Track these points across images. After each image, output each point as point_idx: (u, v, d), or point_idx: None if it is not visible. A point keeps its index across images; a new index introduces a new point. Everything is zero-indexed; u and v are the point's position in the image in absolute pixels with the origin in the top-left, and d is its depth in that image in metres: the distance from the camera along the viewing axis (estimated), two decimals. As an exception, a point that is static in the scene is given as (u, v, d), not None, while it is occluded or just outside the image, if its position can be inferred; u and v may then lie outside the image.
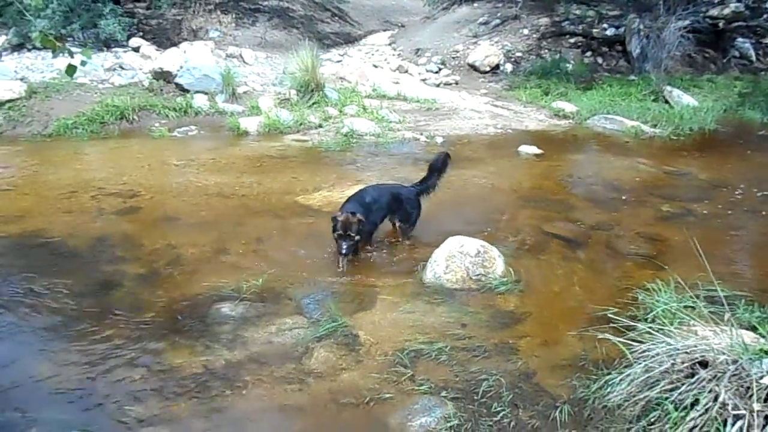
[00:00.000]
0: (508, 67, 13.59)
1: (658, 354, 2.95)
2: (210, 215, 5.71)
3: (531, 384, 3.35)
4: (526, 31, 14.60)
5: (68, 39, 11.48)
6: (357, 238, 4.54)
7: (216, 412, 3.04)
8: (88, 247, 4.98)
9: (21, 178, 6.70)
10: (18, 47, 11.30)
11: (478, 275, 4.39)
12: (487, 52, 13.60)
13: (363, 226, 4.59)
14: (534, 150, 8.23)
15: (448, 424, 2.96)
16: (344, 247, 4.49)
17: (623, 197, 6.60)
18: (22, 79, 9.81)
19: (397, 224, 5.25)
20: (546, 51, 14.01)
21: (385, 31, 17.63)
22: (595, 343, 3.51)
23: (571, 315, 4.15)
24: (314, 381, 3.30)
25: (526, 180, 7.21)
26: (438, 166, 5.39)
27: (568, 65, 13.31)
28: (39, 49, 11.28)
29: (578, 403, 3.17)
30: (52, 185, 6.42)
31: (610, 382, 3.11)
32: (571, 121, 10.48)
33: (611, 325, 3.48)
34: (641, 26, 12.83)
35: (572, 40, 14.30)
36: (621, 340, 3.19)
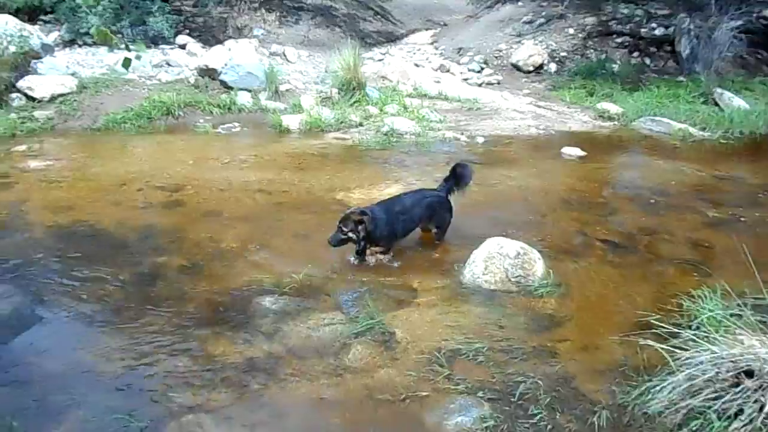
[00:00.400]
0: (552, 67, 13.38)
1: (702, 362, 2.88)
2: (251, 210, 5.81)
3: (569, 388, 3.30)
4: (571, 31, 14.35)
5: (118, 35, 11.85)
6: (350, 236, 4.52)
7: (256, 403, 3.10)
8: (134, 238, 5.13)
9: (71, 170, 6.94)
10: (70, 43, 11.70)
11: (517, 277, 4.34)
12: (530, 51, 13.42)
13: (363, 228, 4.51)
14: (577, 152, 8.09)
15: (485, 425, 2.94)
16: (331, 236, 4.54)
17: (669, 201, 6.43)
18: (73, 75, 10.16)
19: (433, 230, 5.20)
20: (591, 51, 13.74)
21: (427, 30, 17.57)
22: (636, 349, 3.44)
23: (612, 320, 4.08)
24: (351, 376, 3.33)
25: (569, 182, 7.09)
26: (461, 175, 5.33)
27: (614, 65, 13.03)
28: (89, 45, 11.68)
29: (617, 409, 3.11)
30: (101, 177, 6.63)
31: (651, 389, 3.05)
32: (616, 122, 10.25)
33: (653, 331, 3.42)
34: (691, 26, 12.44)
35: (619, 40, 13.97)
36: (664, 347, 3.12)
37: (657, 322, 3.42)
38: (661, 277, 4.73)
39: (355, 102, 10.18)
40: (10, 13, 11.36)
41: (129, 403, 3.07)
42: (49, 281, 4.29)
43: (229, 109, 9.69)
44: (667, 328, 3.26)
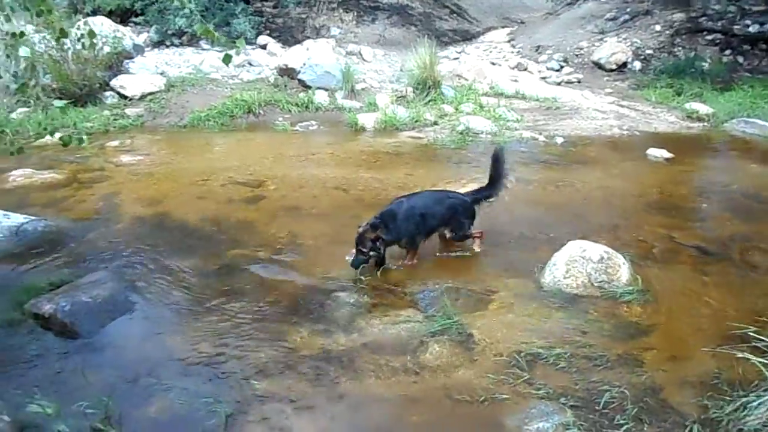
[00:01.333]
0: (637, 65, 12.83)
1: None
2: (328, 207, 5.89)
3: (657, 399, 3.15)
4: (657, 28, 13.70)
5: (203, 36, 12.34)
6: (371, 254, 4.42)
7: (334, 395, 3.14)
8: (217, 231, 5.31)
9: (159, 165, 7.28)
10: (158, 44, 12.29)
11: (600, 282, 4.19)
12: (613, 49, 12.93)
13: (382, 242, 4.40)
14: (664, 153, 7.71)
15: (567, 432, 2.85)
16: (353, 260, 4.42)
17: (764, 208, 6.02)
18: (161, 74, 10.68)
19: (447, 235, 4.87)
20: (679, 48, 13.07)
21: (503, 27, 17.29)
22: (730, 361, 3.24)
23: (702, 330, 3.86)
24: (428, 375, 3.31)
25: (655, 185, 6.77)
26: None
27: (703, 64, 12.33)
28: (176, 46, 12.24)
29: (710, 424, 2.95)
30: (187, 173, 6.92)
31: (747, 405, 2.88)
32: (705, 123, 9.72)
33: (749, 344, 3.21)
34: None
35: (709, 37, 13.21)
36: (763, 360, 2.92)
37: (755, 335, 3.20)
38: (757, 287, 4.43)
39: (430, 101, 10.15)
40: (104, 15, 12.08)
41: (214, 388, 3.18)
42: (140, 270, 4.51)
43: (307, 107, 9.89)
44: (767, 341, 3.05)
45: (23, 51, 2.34)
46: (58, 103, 3.08)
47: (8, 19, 2.33)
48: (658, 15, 14.05)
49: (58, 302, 3.80)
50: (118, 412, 2.96)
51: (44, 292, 4.02)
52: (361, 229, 4.40)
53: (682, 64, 12.31)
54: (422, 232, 4.67)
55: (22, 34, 2.37)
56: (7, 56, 2.71)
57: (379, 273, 4.48)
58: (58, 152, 7.52)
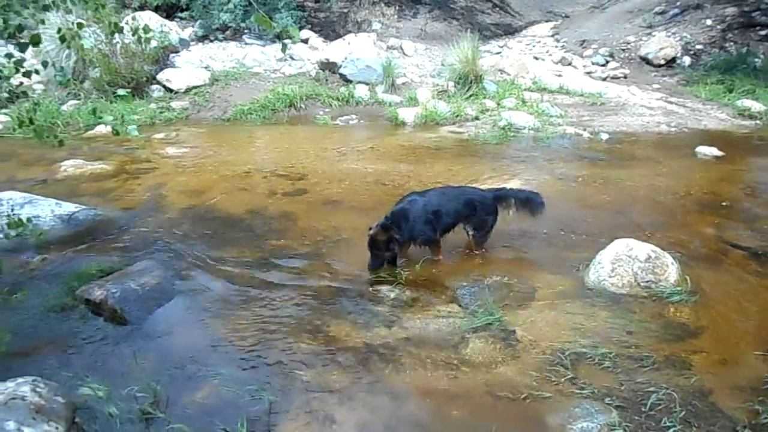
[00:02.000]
0: (686, 60, 12.46)
1: None
2: (368, 200, 5.90)
3: (706, 403, 3.07)
4: (708, 22, 13.26)
5: (246, 31, 12.52)
6: (387, 256, 4.34)
7: (376, 388, 3.15)
8: (259, 223, 5.39)
9: (204, 157, 7.42)
10: (203, 38, 12.51)
11: (647, 282, 4.08)
12: (662, 43, 12.57)
13: (396, 243, 4.30)
14: (713, 151, 7.47)
15: (612, 433, 2.80)
16: (369, 263, 4.32)
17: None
18: (206, 68, 10.87)
19: (470, 233, 4.73)
20: (731, 44, 12.63)
21: (547, 21, 16.98)
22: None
23: (753, 333, 3.75)
24: (470, 371, 3.29)
25: (704, 183, 6.56)
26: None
27: (756, 60, 11.88)
28: (220, 40, 12.43)
29: (760, 429, 2.88)
30: (230, 165, 7.03)
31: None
32: (758, 121, 9.39)
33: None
34: None
35: (763, 32, 12.71)
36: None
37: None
38: (814, 291, 4.26)
39: (471, 95, 10.08)
40: (151, 10, 12.36)
41: (258, 376, 3.23)
42: (185, 259, 4.61)
43: (347, 101, 9.94)
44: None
45: (86, 42, 2.41)
46: (121, 91, 3.18)
47: (69, 11, 2.40)
48: (709, 9, 13.59)
49: (109, 289, 3.92)
50: (166, 397, 3.04)
51: (95, 278, 4.16)
52: (372, 232, 4.30)
53: (734, 59, 11.90)
54: (437, 230, 4.53)
55: (80, 25, 2.44)
56: (68, 47, 2.78)
57: (419, 267, 4.45)
58: (107, 143, 7.76)
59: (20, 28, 2.59)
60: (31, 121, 2.78)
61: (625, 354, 3.42)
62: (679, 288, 4.07)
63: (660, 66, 12.42)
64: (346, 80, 10.50)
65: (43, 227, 4.90)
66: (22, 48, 2.41)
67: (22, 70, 2.44)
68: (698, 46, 12.73)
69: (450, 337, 3.59)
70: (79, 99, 9.35)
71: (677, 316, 3.84)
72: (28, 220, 3.69)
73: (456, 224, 4.66)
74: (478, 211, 4.65)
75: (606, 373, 3.26)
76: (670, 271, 4.16)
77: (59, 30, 2.59)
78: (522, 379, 3.20)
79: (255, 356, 3.41)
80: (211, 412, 2.97)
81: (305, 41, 12.55)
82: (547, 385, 3.15)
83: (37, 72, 2.65)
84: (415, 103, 9.84)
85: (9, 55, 2.37)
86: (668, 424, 2.87)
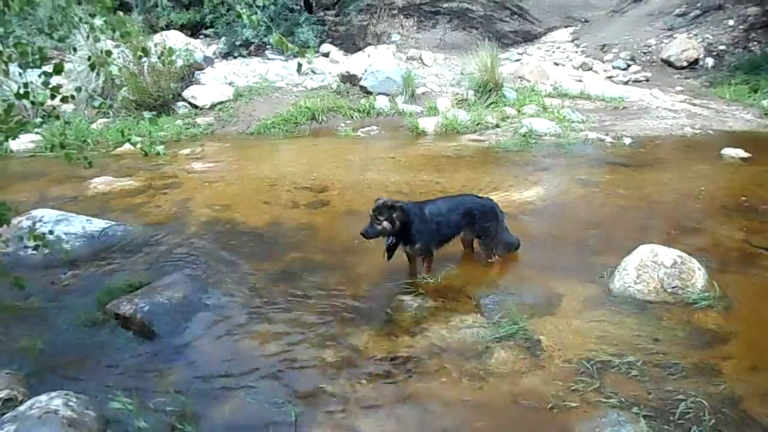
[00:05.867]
0: (709, 61, 12.29)
1: None
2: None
3: (737, 410, 3.00)
4: (731, 22, 13.07)
5: (268, 46, 12.73)
6: (386, 225, 4.18)
7: (401, 398, 3.16)
8: (283, 235, 5.46)
9: (228, 171, 7.55)
10: (227, 55, 12.76)
11: (674, 288, 4.03)
12: (684, 45, 12.43)
13: (398, 217, 4.19)
14: (740, 153, 7.35)
15: (641, 443, 2.77)
16: (365, 229, 4.21)
17: None
18: (230, 84, 11.08)
19: (475, 241, 4.72)
20: (755, 44, 12.42)
21: (566, 27, 16.92)
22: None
23: (785, 340, 3.65)
24: (495, 380, 3.28)
25: (731, 186, 6.45)
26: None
27: (782, 59, 11.67)
28: (244, 56, 12.65)
29: (794, 438, 2.80)
30: (254, 178, 7.15)
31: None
32: (786, 121, 9.20)
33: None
34: None
35: (789, 31, 12.51)
36: None
37: None
38: None
39: (491, 103, 10.09)
40: (176, 29, 12.65)
41: (283, 389, 3.26)
42: (212, 272, 4.69)
43: (368, 113, 10.03)
44: None
45: (114, 69, 2.51)
46: (147, 114, 3.28)
47: (97, 40, 2.50)
48: (731, 9, 13.41)
49: (137, 303, 4.01)
50: (194, 410, 3.09)
51: (124, 293, 4.25)
52: (381, 201, 4.25)
53: (758, 59, 11.70)
54: (436, 240, 4.49)
55: (109, 53, 2.54)
56: (91, 68, 2.88)
57: (440, 277, 4.46)
58: (135, 160, 7.93)
59: (43, 56, 2.69)
60: (62, 146, 2.88)
61: (653, 362, 3.37)
62: (706, 294, 4.00)
63: (683, 68, 12.28)
64: (367, 92, 10.60)
65: (75, 244, 5.06)
66: (47, 77, 2.51)
67: (59, 95, 2.54)
68: (721, 47, 12.54)
69: (474, 347, 3.58)
70: (108, 117, 9.59)
71: (705, 323, 3.78)
72: (50, 232, 3.77)
73: (455, 236, 4.64)
74: (478, 220, 4.61)
75: (633, 381, 3.22)
76: (697, 276, 4.09)
77: (89, 58, 2.70)
78: (547, 389, 3.18)
79: (280, 368, 3.45)
80: (239, 426, 3.02)
81: (326, 55, 12.71)
82: (573, 395, 3.12)
83: (72, 97, 2.75)
84: (435, 112, 9.88)
85: (46, 83, 2.47)
86: (698, 432, 2.83)
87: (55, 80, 2.66)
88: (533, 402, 3.09)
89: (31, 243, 3.28)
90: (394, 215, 4.22)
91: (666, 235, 4.99)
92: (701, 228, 5.34)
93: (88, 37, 2.55)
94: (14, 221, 5.18)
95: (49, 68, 2.60)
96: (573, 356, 3.44)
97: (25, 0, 2.44)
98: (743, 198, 5.88)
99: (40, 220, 5.25)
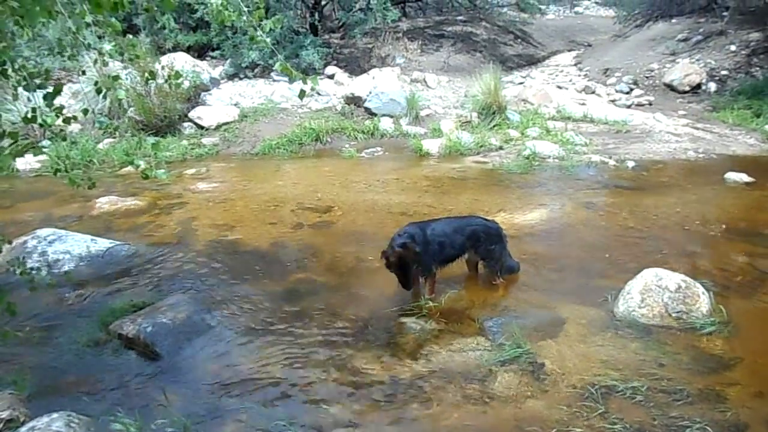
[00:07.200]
0: (712, 86, 12.37)
1: None
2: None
3: (743, 439, 2.98)
4: (733, 48, 13.19)
5: (274, 68, 12.85)
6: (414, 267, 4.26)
7: (403, 422, 3.14)
8: (287, 256, 5.46)
9: (233, 191, 7.58)
10: (232, 76, 12.88)
11: (678, 312, 4.01)
12: (686, 70, 12.53)
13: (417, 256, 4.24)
14: (743, 177, 7.35)
15: (646, 470, 2.74)
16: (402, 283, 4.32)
17: None
18: (235, 105, 11.18)
19: (480, 263, 4.72)
20: (757, 68, 12.52)
21: (569, 51, 17.10)
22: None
23: (792, 367, 3.63)
24: (498, 405, 3.26)
25: (735, 211, 6.45)
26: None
27: (785, 84, 11.74)
28: (249, 78, 12.78)
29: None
30: (259, 199, 7.17)
31: None
32: (789, 146, 9.22)
33: None
34: None
35: (790, 57, 12.61)
36: None
37: None
38: None
39: (495, 126, 10.14)
40: (183, 51, 12.81)
41: (286, 411, 3.25)
42: (215, 293, 4.69)
43: (372, 134, 10.10)
44: None
45: (120, 93, 2.55)
46: (150, 139, 3.32)
47: (105, 64, 2.55)
48: (733, 35, 13.55)
49: (140, 323, 4.01)
50: None
51: (128, 313, 4.25)
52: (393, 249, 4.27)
53: (761, 84, 11.78)
54: (437, 261, 4.48)
55: (117, 77, 2.58)
56: (98, 92, 2.92)
57: (444, 300, 4.45)
58: (141, 180, 7.95)
59: (48, 78, 2.73)
60: (66, 170, 2.92)
61: (658, 387, 3.35)
62: (711, 318, 3.99)
63: (685, 92, 12.36)
64: (371, 113, 10.68)
65: (79, 263, 5.08)
66: (49, 99, 2.55)
67: (62, 117, 2.57)
68: (723, 72, 12.63)
69: (477, 371, 3.57)
70: (115, 138, 9.67)
71: (710, 348, 3.76)
72: (37, 269, 3.77)
73: (458, 257, 4.64)
74: (482, 242, 4.60)
75: (638, 407, 3.20)
76: (702, 301, 4.08)
77: (96, 83, 2.75)
78: (551, 414, 3.15)
79: (282, 390, 3.44)
80: (240, 447, 3.00)
81: (331, 77, 12.83)
82: (577, 420, 3.10)
83: (75, 118, 2.79)
84: (439, 134, 9.94)
85: (49, 105, 2.51)
86: (704, 460, 2.80)
87: (58, 101, 2.70)
88: (537, 427, 3.06)
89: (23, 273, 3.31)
90: (413, 256, 4.25)
91: (670, 259, 4.98)
92: (705, 252, 5.34)
93: (95, 62, 2.59)
94: (19, 240, 5.25)
95: (50, 89, 2.64)
96: (577, 381, 3.42)
97: (38, 24, 2.50)
98: (723, 225, 5.87)
99: (44, 239, 5.28)
